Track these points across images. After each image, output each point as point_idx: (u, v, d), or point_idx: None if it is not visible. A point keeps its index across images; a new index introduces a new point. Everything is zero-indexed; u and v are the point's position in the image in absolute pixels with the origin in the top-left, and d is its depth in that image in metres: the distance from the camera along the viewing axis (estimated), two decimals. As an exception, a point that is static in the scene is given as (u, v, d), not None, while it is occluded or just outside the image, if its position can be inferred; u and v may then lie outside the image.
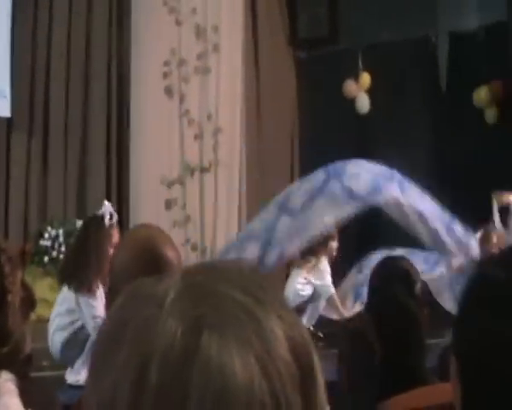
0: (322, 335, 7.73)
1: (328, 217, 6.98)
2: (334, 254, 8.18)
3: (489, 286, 1.31)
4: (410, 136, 10.67)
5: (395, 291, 2.91)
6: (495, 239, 7.68)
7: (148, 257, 2.09)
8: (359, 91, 11.43)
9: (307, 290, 8.03)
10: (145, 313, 0.74)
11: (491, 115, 10.53)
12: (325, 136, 11.20)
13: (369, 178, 7.03)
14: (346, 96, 11.46)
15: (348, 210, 6.95)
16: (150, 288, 0.77)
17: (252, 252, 6.73)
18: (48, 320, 5.73)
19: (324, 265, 8.10)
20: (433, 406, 2.50)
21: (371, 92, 11.36)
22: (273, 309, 0.75)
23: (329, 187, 6.98)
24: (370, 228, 9.72)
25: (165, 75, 11.35)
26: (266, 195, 10.56)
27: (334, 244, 8.17)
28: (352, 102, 11.43)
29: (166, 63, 11.32)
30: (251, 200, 11.46)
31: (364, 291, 6.60)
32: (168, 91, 11.34)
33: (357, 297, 7.54)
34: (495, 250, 7.33)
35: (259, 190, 11.33)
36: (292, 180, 11.83)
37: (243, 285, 0.75)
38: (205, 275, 0.77)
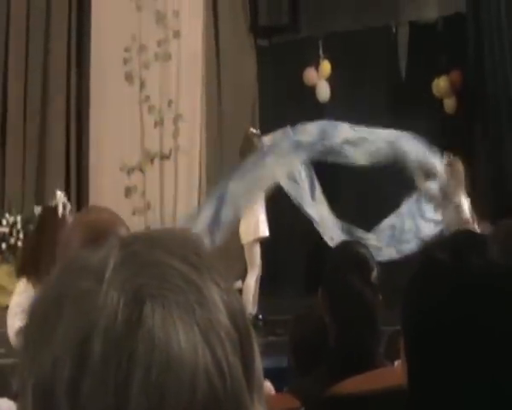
0: (261, 318, 7.82)
1: (279, 171, 7.42)
2: None
3: (434, 269, 1.35)
4: (370, 124, 10.72)
5: (350, 278, 2.92)
6: (460, 167, 8.07)
7: (97, 238, 2.06)
8: (320, 79, 11.46)
9: None
10: (83, 285, 0.73)
11: (449, 105, 10.62)
12: (285, 123, 11.21)
13: (315, 127, 7.68)
14: (306, 83, 11.49)
15: (298, 160, 7.44)
16: (86, 260, 0.76)
17: (205, 215, 6.94)
18: (5, 307, 5.69)
19: None
20: (383, 388, 2.54)
21: (331, 80, 11.40)
22: (210, 276, 0.75)
23: (279, 146, 7.39)
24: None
25: (126, 61, 11.29)
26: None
27: None
28: (312, 89, 11.46)
29: (127, 49, 11.27)
30: (211, 187, 11.46)
31: None
32: (128, 77, 11.29)
33: None
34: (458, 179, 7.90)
35: (219, 177, 11.32)
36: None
37: (180, 253, 0.75)
38: (143, 244, 0.76)
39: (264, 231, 8.16)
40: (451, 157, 8.19)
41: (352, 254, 3.11)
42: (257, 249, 8.18)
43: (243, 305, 0.79)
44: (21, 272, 5.53)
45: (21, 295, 5.50)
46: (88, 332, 0.70)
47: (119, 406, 0.69)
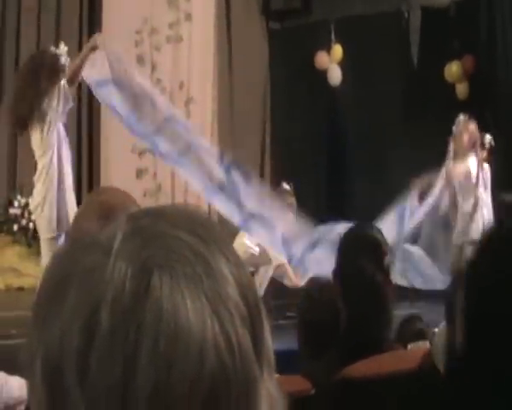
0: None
1: None
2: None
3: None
4: (381, 109, 10.71)
5: (362, 262, 2.92)
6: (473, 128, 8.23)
7: (109, 218, 2.05)
8: (331, 63, 11.43)
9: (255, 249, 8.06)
10: (91, 259, 0.73)
11: (461, 90, 10.58)
12: (297, 107, 11.22)
13: None
14: (318, 67, 11.46)
15: None
16: (94, 236, 0.76)
17: None
18: (17, 288, 5.72)
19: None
20: (394, 371, 2.55)
21: (343, 64, 11.37)
22: (219, 250, 0.75)
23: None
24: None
25: (137, 44, 11.27)
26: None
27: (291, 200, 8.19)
28: (323, 73, 11.43)
29: (138, 32, 11.25)
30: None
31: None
32: (140, 60, 11.27)
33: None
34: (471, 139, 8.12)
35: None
36: (263, 152, 11.85)
37: (190, 227, 0.75)
38: (150, 218, 0.76)
39: None
40: (463, 118, 8.32)
41: (365, 237, 3.10)
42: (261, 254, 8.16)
43: (253, 280, 0.78)
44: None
45: None
46: (96, 304, 0.70)
47: (126, 377, 0.69)
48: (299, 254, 7.43)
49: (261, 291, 8.02)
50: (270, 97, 11.75)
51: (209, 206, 10.75)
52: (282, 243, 7.39)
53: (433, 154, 8.37)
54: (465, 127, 8.21)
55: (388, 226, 7.50)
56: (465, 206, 8.20)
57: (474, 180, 8.17)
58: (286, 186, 8.47)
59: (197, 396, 0.69)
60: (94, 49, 6.67)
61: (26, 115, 6.08)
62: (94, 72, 6.78)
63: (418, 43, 11.00)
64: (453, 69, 10.57)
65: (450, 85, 10.62)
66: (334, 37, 11.43)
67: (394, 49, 11.05)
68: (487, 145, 8.39)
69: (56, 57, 6.19)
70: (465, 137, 8.17)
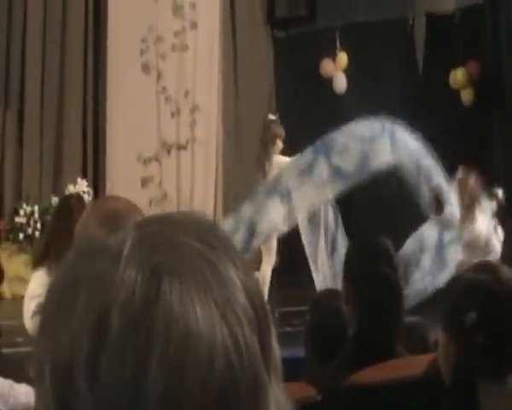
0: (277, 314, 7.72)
1: (314, 199, 6.99)
2: None
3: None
4: (387, 116, 10.69)
5: (379, 264, 2.91)
6: (473, 183, 7.72)
7: (113, 226, 2.05)
8: (336, 71, 11.44)
9: None
10: (100, 266, 0.73)
11: (467, 96, 10.58)
12: (302, 115, 11.22)
13: (358, 150, 6.92)
14: (323, 75, 11.47)
15: (335, 189, 6.93)
16: (102, 242, 0.76)
17: (240, 237, 6.78)
18: (22, 297, 5.70)
19: None
20: (401, 378, 2.54)
21: (348, 72, 11.38)
22: (228, 257, 0.75)
23: (317, 169, 6.89)
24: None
25: (143, 52, 11.30)
26: (242, 173, 10.58)
27: None
28: (329, 81, 11.44)
29: (144, 40, 11.28)
30: (227, 178, 11.48)
31: None
32: (145, 68, 11.30)
33: None
34: (472, 195, 7.57)
35: (236, 167, 11.34)
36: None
37: (198, 233, 0.76)
38: (159, 225, 0.77)
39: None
40: (464, 173, 7.82)
41: (375, 243, 3.11)
42: (273, 238, 8.12)
43: (259, 285, 0.79)
44: (38, 261, 5.54)
45: (37, 281, 5.52)
46: (106, 308, 0.71)
47: (137, 381, 0.69)
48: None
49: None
50: (276, 105, 11.76)
51: (214, 213, 10.77)
52: None
53: (438, 160, 8.35)
54: (463, 184, 7.68)
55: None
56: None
57: (483, 241, 7.57)
58: (272, 117, 8.52)
59: (207, 399, 0.70)
60: None
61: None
62: None
63: (423, 50, 11.01)
64: (458, 75, 10.58)
65: (456, 92, 10.62)
66: (339, 44, 11.45)
67: (399, 56, 11.05)
68: (497, 199, 7.90)
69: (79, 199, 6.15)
70: (464, 196, 7.59)
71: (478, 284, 2.11)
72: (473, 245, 7.54)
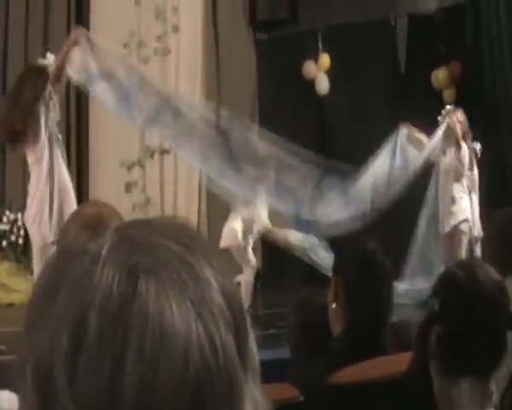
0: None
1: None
2: None
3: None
4: (369, 117, 10.72)
5: (367, 263, 2.91)
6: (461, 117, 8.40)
7: (95, 232, 2.07)
8: (319, 72, 11.46)
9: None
10: (80, 267, 0.75)
11: (449, 96, 10.61)
12: (285, 117, 11.22)
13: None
14: (305, 76, 11.48)
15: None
16: (83, 246, 0.78)
17: None
18: (6, 305, 5.67)
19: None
20: (383, 376, 2.54)
21: (331, 73, 11.39)
22: (205, 258, 0.77)
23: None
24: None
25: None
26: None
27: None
28: (311, 82, 11.45)
29: (126, 45, 11.25)
30: (210, 182, 11.45)
31: None
32: (128, 73, 11.27)
33: None
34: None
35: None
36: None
37: (176, 236, 0.77)
38: (138, 228, 0.79)
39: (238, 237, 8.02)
40: (450, 108, 8.48)
41: (365, 243, 3.11)
42: (245, 250, 8.07)
43: (237, 288, 0.80)
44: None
45: None
46: (84, 308, 0.72)
47: (114, 379, 0.70)
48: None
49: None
50: (258, 107, 11.76)
51: (198, 218, 10.74)
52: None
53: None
54: (455, 116, 8.32)
55: (380, 164, 7.97)
56: (454, 189, 8.20)
57: (466, 164, 8.18)
58: None
59: (182, 397, 0.71)
60: (75, 43, 6.67)
61: (19, 128, 6.10)
62: (78, 69, 6.78)
63: (405, 50, 11.04)
64: (440, 75, 10.61)
65: (438, 91, 10.65)
66: (321, 46, 11.47)
67: (381, 56, 11.09)
68: (476, 153, 8.41)
69: (43, 69, 6.22)
70: (457, 127, 8.23)
71: (450, 276, 2.14)
72: (457, 171, 8.22)
